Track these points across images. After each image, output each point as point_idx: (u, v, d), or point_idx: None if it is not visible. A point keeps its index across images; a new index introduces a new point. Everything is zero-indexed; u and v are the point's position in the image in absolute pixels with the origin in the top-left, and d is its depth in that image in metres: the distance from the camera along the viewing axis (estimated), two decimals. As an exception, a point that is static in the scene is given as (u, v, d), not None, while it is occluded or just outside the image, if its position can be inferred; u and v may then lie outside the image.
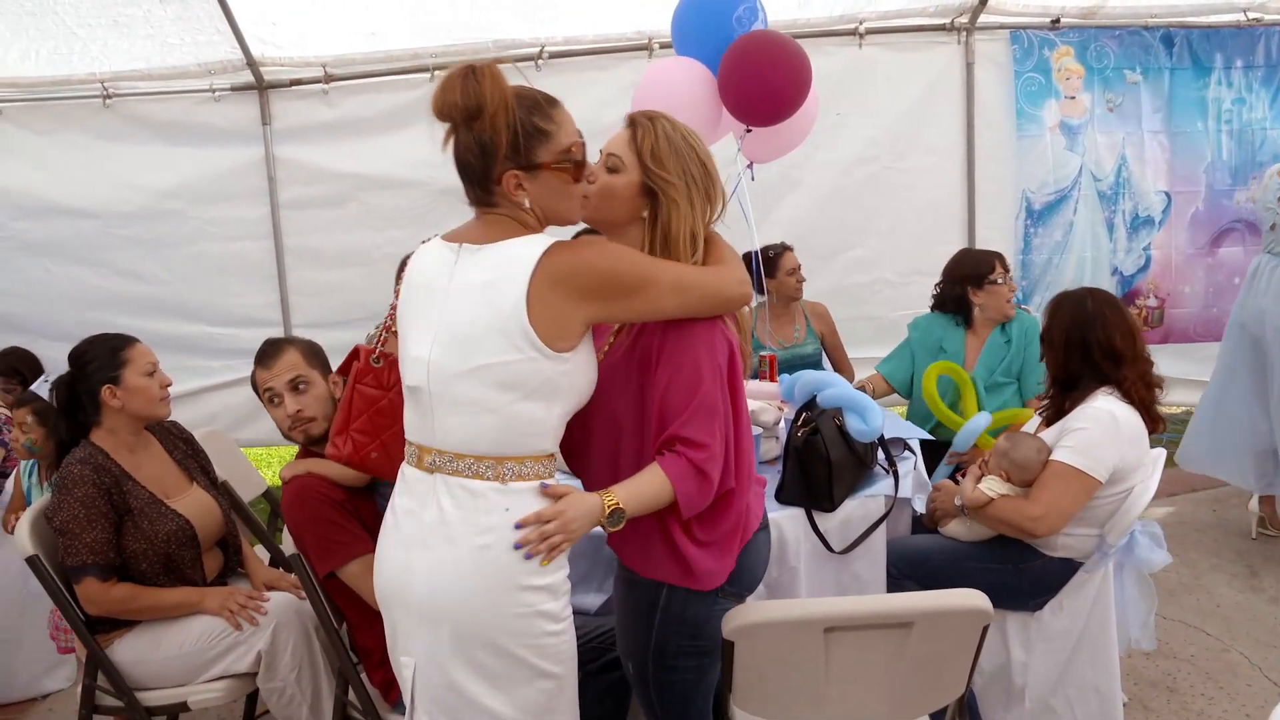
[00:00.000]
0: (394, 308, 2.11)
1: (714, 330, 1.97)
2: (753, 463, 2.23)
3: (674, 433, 1.92)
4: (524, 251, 1.80)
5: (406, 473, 1.98)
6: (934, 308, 4.24)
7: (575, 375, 1.90)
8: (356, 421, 2.20)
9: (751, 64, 3.58)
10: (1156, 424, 2.91)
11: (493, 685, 1.87)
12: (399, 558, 1.94)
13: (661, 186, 2.01)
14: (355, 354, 2.27)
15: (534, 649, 1.87)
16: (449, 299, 1.86)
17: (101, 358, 2.83)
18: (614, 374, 2.04)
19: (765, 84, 3.56)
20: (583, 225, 2.14)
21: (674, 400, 1.93)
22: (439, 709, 1.92)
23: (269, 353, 2.73)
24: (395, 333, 2.09)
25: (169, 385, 2.94)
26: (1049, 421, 3.00)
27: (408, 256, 2.10)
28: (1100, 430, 2.80)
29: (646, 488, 1.91)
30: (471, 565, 1.84)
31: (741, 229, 4.77)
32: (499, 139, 1.80)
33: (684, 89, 3.76)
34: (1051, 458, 2.84)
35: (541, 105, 1.87)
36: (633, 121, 2.07)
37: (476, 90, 1.78)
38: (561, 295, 1.80)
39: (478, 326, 1.82)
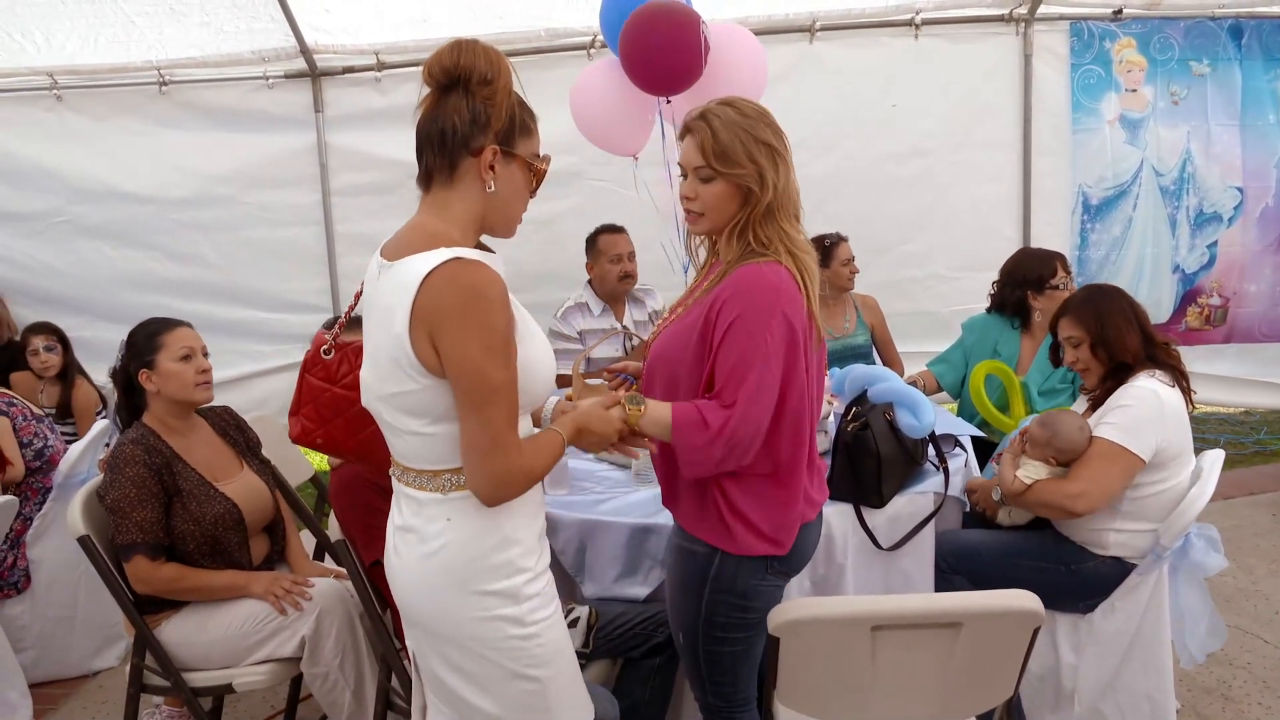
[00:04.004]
0: (356, 296, 2.07)
1: (774, 312, 1.98)
2: (816, 454, 2.27)
3: (717, 388, 2.02)
4: (414, 272, 1.69)
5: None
6: (990, 309, 4.14)
7: None
8: (305, 409, 2.22)
9: (633, 34, 3.73)
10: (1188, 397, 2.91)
11: (471, 683, 1.87)
12: (388, 555, 1.97)
13: (740, 180, 2.05)
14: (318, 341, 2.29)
15: (501, 652, 1.84)
16: (370, 320, 1.84)
17: (139, 342, 2.88)
18: (674, 340, 2.13)
19: (650, 51, 3.72)
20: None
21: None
22: (438, 696, 1.96)
23: None
24: (346, 324, 2.21)
25: (207, 370, 2.94)
26: (1095, 405, 2.95)
27: None
28: (1145, 409, 2.77)
29: (661, 414, 2.03)
30: (424, 571, 1.85)
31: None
32: (497, 114, 1.78)
33: (605, 85, 4.01)
34: (1095, 434, 2.80)
35: (529, 107, 1.87)
36: (688, 128, 2.11)
37: (496, 61, 1.77)
38: (429, 321, 1.69)
39: (382, 353, 1.78)
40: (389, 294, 1.74)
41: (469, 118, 1.77)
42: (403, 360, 1.72)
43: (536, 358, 1.84)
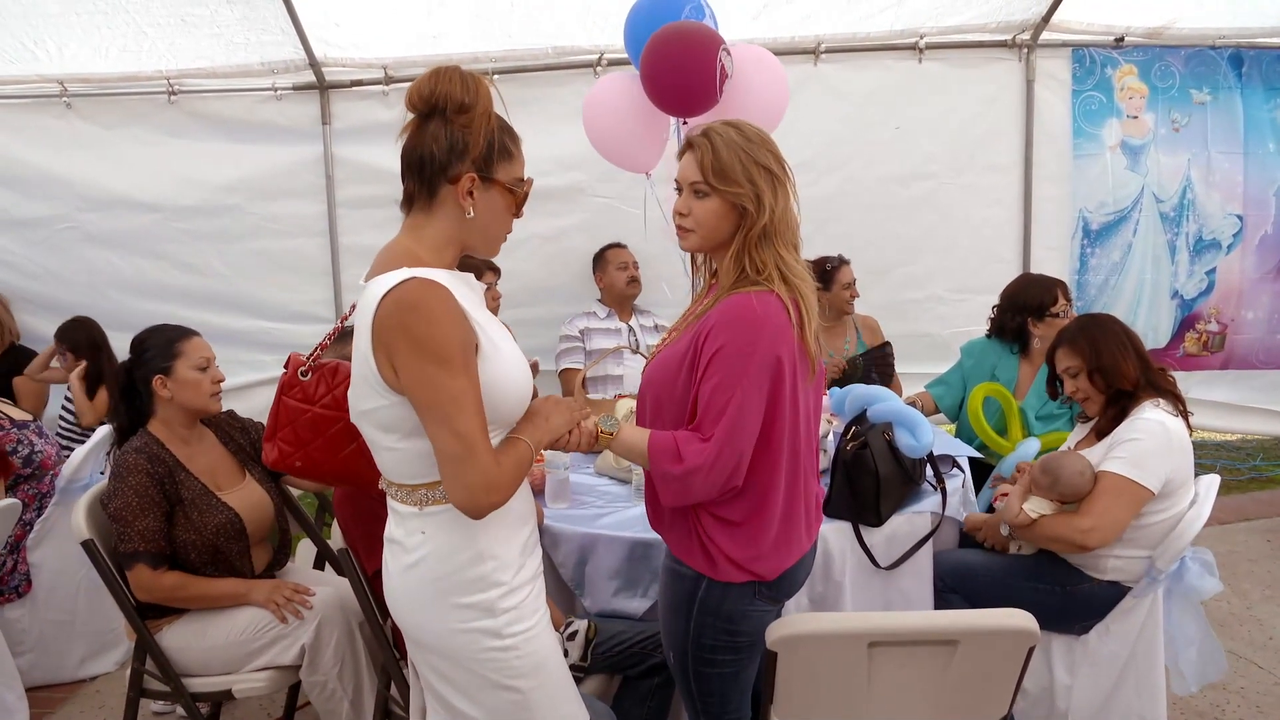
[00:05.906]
0: (343, 319, 2.12)
1: (758, 344, 1.99)
2: (813, 484, 2.26)
3: (697, 420, 2.03)
4: (375, 293, 1.74)
5: None
6: (990, 333, 4.15)
7: None
8: (282, 432, 2.22)
9: (657, 58, 3.74)
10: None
11: (458, 690, 1.91)
12: (383, 566, 2.00)
13: (735, 198, 2.05)
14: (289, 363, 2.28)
15: (481, 663, 1.88)
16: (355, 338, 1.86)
17: (156, 347, 2.90)
18: (665, 367, 2.13)
19: (664, 75, 3.74)
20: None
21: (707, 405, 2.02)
22: (434, 700, 1.99)
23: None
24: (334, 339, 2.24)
25: (221, 381, 2.99)
26: (1100, 435, 2.96)
27: None
28: (1154, 441, 2.78)
29: (638, 440, 2.07)
30: (406, 582, 1.90)
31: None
32: (475, 141, 1.81)
33: (619, 101, 4.03)
34: (1104, 469, 2.80)
35: (511, 130, 1.90)
36: (689, 144, 2.12)
37: (474, 88, 1.80)
38: (384, 340, 1.74)
39: (357, 371, 1.83)
40: (361, 314, 1.80)
41: (446, 145, 1.80)
42: (370, 378, 1.77)
43: (503, 374, 1.83)
